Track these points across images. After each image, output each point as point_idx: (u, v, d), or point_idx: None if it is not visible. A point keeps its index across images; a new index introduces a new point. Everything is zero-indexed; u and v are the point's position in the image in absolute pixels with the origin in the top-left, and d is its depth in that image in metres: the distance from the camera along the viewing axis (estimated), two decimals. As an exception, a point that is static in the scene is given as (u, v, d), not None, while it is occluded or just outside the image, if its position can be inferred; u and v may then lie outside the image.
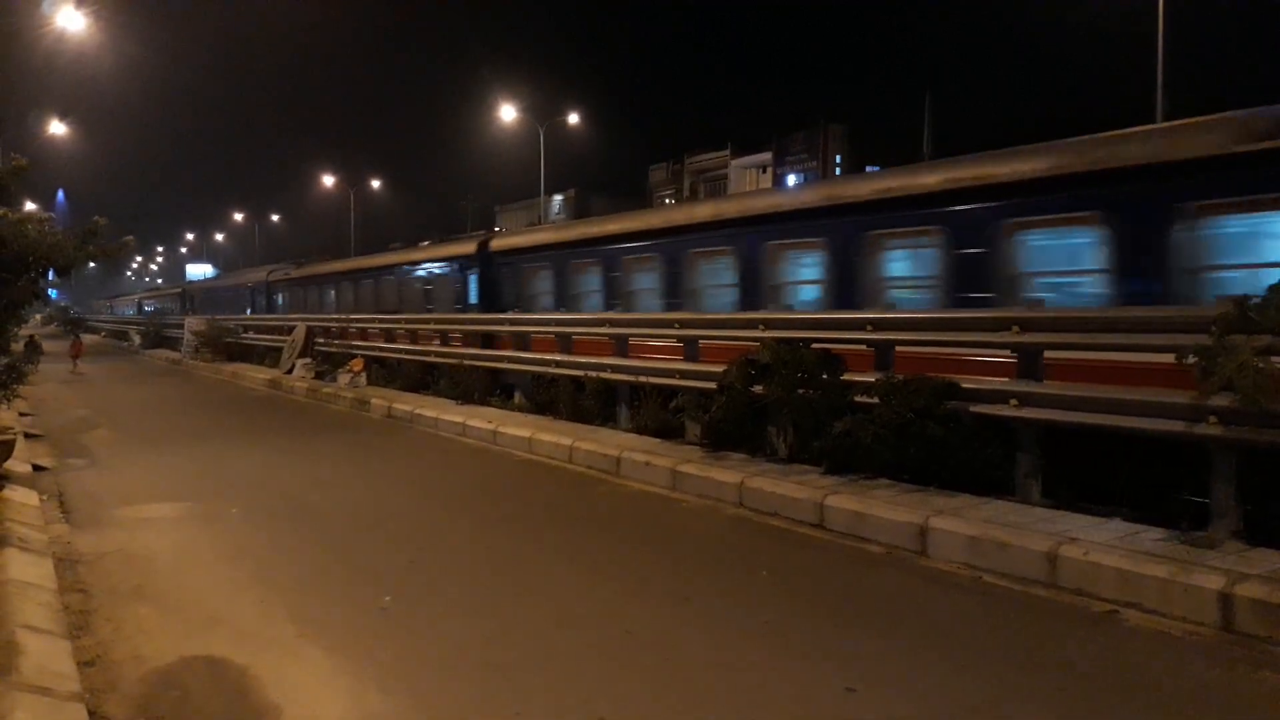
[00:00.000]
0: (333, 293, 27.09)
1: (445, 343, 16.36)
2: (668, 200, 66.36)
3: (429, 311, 19.63)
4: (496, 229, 66.18)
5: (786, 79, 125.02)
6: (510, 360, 13.91)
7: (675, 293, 13.11)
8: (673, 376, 10.41)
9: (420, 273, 21.37)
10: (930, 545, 6.25)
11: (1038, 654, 4.62)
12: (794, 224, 11.56)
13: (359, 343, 19.73)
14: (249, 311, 34.22)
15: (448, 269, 19.91)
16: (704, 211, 14.44)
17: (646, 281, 14.05)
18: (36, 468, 9.55)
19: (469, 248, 19.38)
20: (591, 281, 15.33)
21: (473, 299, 18.68)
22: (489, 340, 15.19)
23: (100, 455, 11.05)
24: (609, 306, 14.15)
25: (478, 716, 4.03)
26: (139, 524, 7.47)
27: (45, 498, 8.14)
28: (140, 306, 60.05)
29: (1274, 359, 5.45)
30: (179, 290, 53.74)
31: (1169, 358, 5.96)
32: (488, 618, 5.23)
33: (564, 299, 15.81)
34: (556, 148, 50.86)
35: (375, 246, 33.94)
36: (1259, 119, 7.32)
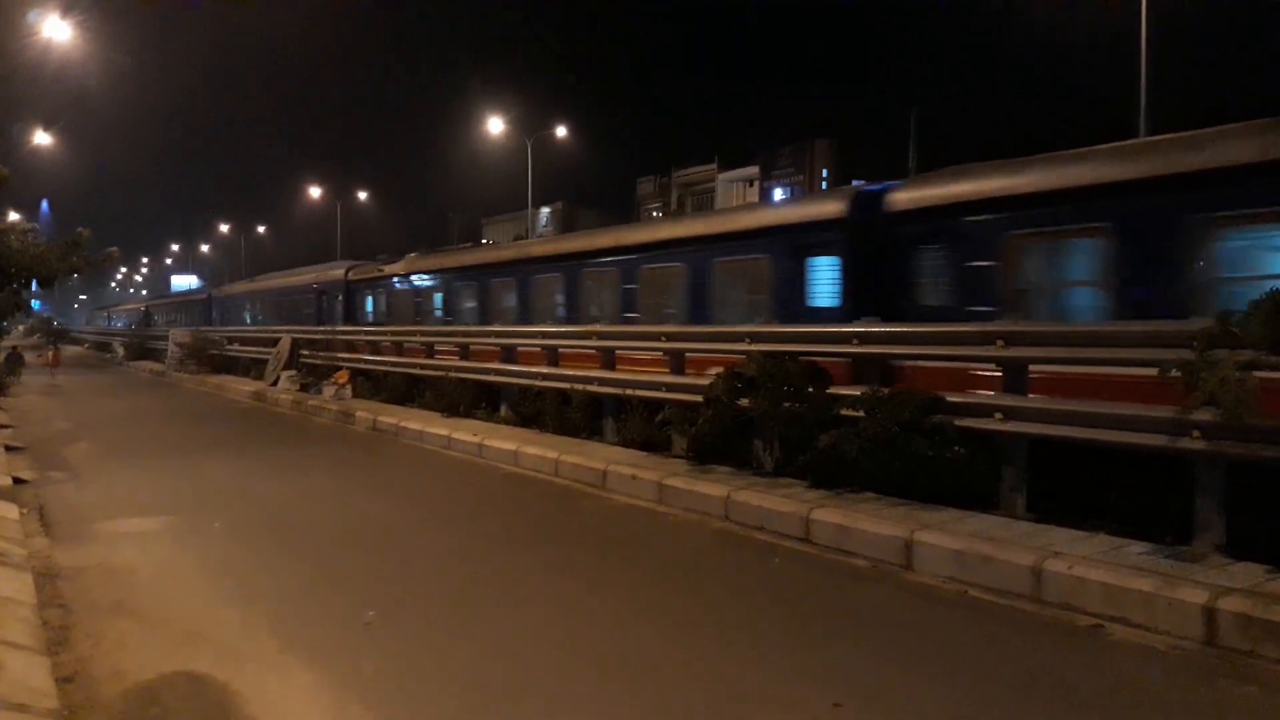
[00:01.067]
0: (476, 294, 18.83)
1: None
2: (655, 214, 66.49)
3: (704, 322, 12.17)
4: (484, 240, 66.06)
5: (773, 93, 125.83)
6: (497, 373, 13.87)
7: None
8: (659, 389, 10.40)
9: (675, 262, 13.37)
10: (916, 559, 6.25)
11: (1023, 668, 4.62)
12: None
13: (344, 355, 19.61)
14: (321, 322, 25.88)
15: (763, 250, 11.93)
16: None
17: None
18: (17, 481, 9.46)
19: (830, 207, 11.46)
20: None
21: (820, 299, 11.13)
22: (889, 374, 8.57)
23: (82, 468, 10.96)
24: None
25: (462, 733, 4.00)
26: (120, 538, 7.40)
27: (25, 511, 8.06)
28: (148, 318, 49.94)
29: (1256, 374, 5.49)
30: (202, 297, 44.59)
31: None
32: (473, 633, 5.20)
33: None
34: (543, 160, 51.03)
35: (361, 259, 28.45)
36: None
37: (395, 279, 22.55)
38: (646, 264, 13.96)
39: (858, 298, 10.53)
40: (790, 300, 11.29)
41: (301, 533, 7.73)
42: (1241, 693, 4.28)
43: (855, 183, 11.26)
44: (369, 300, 24.47)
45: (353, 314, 25.01)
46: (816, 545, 6.92)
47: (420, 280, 21.29)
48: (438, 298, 20.56)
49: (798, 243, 11.42)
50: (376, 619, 5.38)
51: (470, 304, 19.17)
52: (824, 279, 11.12)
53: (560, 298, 16.04)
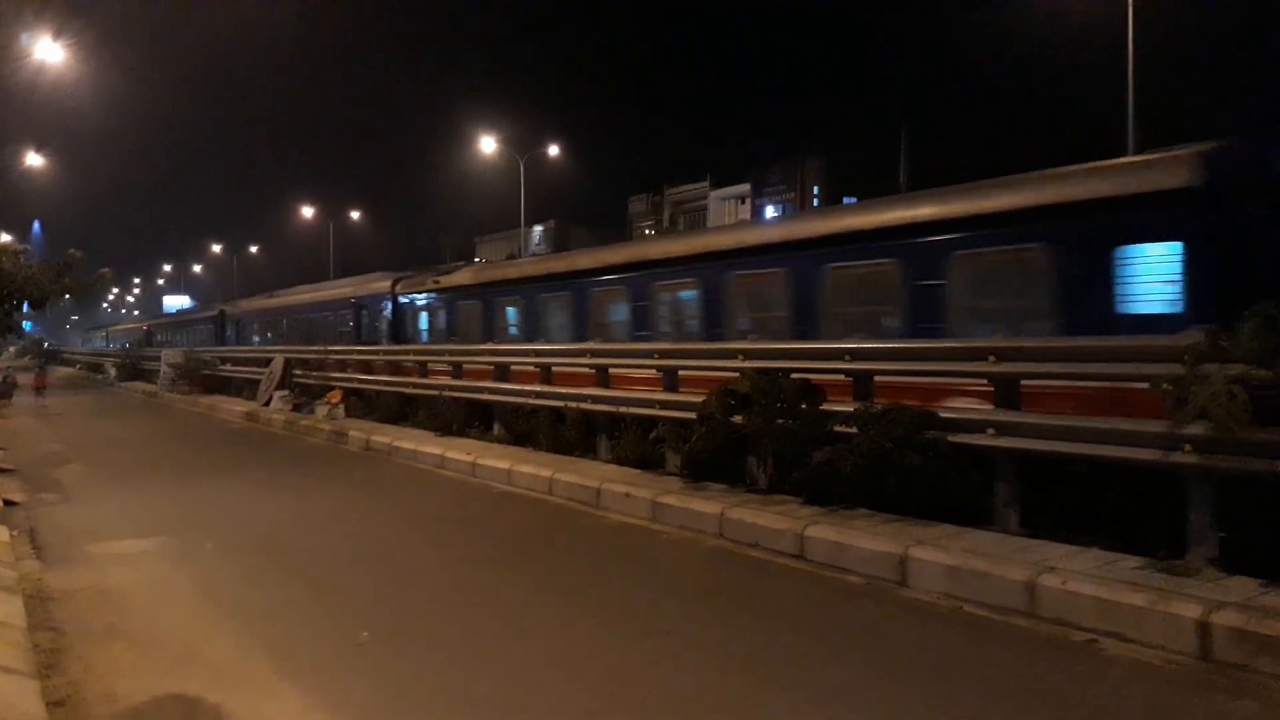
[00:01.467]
0: (568, 306, 15.25)
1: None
2: (648, 231, 66.70)
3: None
4: (477, 259, 65.98)
5: (764, 111, 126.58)
6: (490, 391, 13.85)
7: None
8: (653, 407, 10.40)
9: (882, 259, 9.95)
10: (910, 575, 6.25)
11: (1018, 684, 4.61)
12: None
13: (337, 374, 19.55)
14: (361, 341, 22.90)
15: (1036, 238, 8.61)
16: None
17: None
18: (8, 503, 9.41)
19: (1161, 175, 7.81)
20: None
21: (1140, 303, 7.91)
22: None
23: (73, 490, 10.90)
24: None
25: (456, 754, 3.98)
26: (112, 560, 7.36)
27: (16, 533, 8.02)
28: (149, 337, 46.67)
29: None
30: (213, 314, 39.73)
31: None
32: (467, 653, 5.18)
33: None
34: (536, 179, 51.30)
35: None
36: None
37: (457, 291, 19.37)
38: (835, 263, 10.36)
39: (1215, 300, 7.26)
40: (1088, 305, 8.14)
41: (294, 553, 7.69)
42: (1236, 707, 4.28)
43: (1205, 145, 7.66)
44: (423, 316, 21.01)
45: (401, 331, 21.73)
46: (811, 562, 6.91)
47: (490, 293, 18.00)
48: (511, 312, 17.23)
49: (1101, 226, 8.12)
50: (370, 640, 5.36)
51: (558, 319, 15.69)
52: (1148, 275, 7.92)
53: (695, 310, 12.34)
